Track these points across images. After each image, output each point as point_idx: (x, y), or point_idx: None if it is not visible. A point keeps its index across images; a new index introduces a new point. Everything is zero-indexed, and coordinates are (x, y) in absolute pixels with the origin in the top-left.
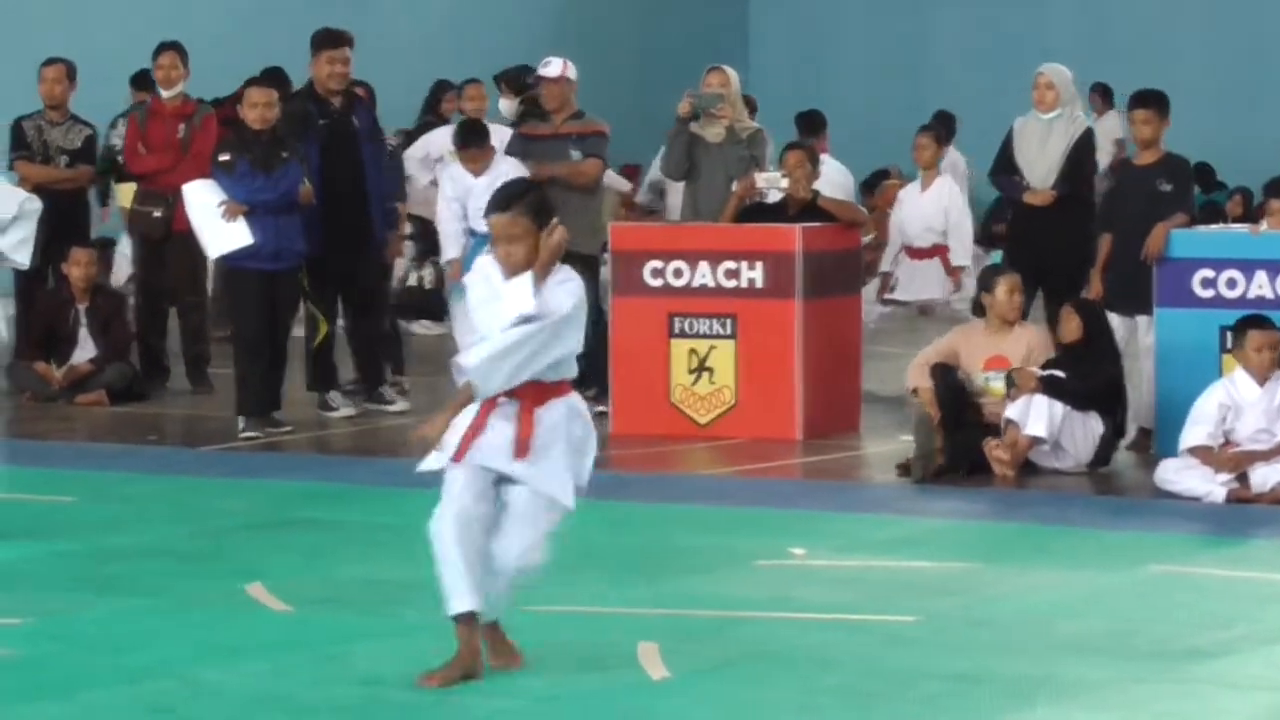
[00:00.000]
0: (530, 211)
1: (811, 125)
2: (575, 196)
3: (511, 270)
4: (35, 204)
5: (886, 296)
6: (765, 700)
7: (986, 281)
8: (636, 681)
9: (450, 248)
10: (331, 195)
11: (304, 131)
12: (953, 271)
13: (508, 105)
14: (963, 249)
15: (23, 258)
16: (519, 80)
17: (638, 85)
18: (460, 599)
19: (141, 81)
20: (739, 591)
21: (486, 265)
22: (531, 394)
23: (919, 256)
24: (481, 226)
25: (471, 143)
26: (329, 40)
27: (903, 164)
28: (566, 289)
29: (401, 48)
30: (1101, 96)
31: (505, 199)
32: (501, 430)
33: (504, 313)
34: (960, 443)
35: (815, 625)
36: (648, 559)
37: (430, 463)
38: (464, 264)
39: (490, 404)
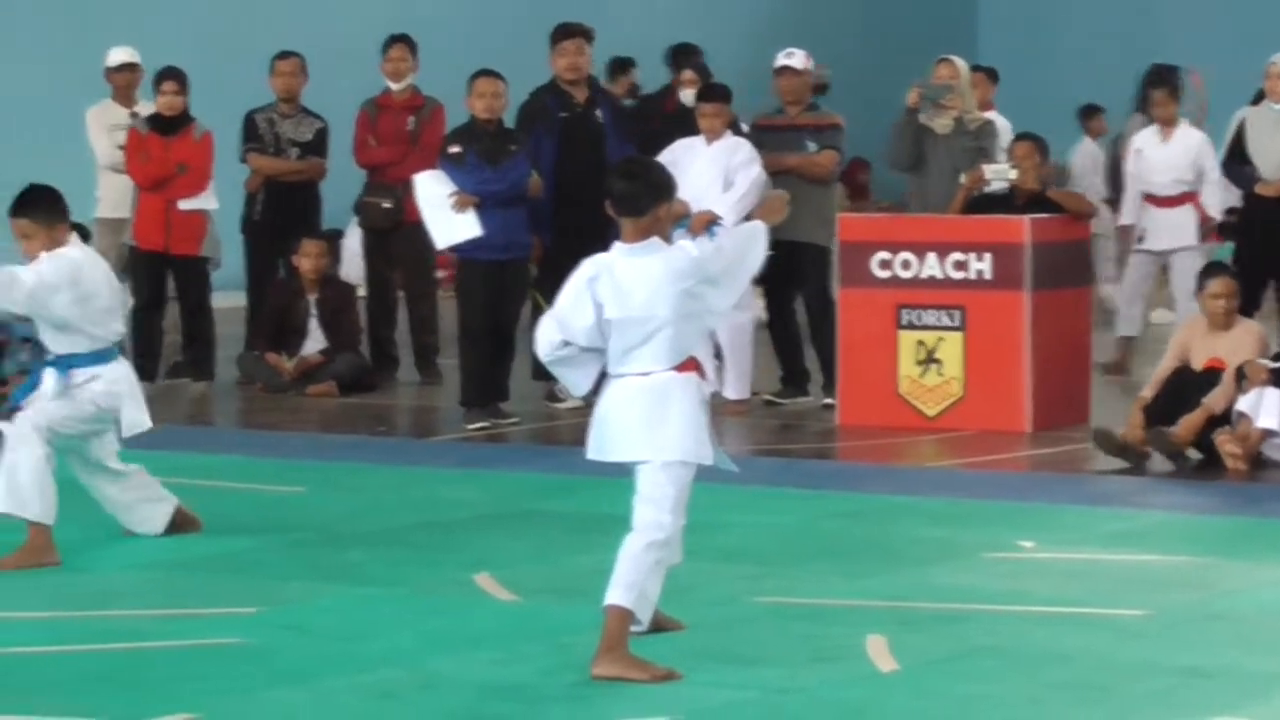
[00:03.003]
0: None
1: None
2: (808, 188)
3: None
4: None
5: (1136, 248)
6: (994, 694)
7: (1200, 281)
8: (865, 674)
9: None
10: (567, 188)
11: (534, 125)
12: (1205, 219)
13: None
14: (1216, 202)
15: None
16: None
17: (863, 77)
18: None
19: (618, 69)
20: (967, 584)
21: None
22: None
23: (1166, 205)
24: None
25: (718, 95)
26: (561, 33)
27: None
28: None
29: (625, 39)
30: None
31: None
32: None
33: None
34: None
35: (1044, 619)
36: (876, 551)
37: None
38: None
39: None
